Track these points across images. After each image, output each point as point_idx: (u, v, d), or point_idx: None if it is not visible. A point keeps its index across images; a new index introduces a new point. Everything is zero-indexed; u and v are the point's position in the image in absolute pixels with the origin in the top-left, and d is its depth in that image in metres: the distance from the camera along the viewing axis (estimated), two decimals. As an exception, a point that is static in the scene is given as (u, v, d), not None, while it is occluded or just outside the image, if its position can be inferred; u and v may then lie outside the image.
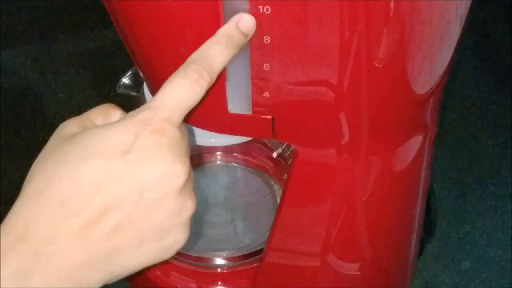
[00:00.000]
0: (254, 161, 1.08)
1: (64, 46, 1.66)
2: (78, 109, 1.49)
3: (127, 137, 0.50)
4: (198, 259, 0.98)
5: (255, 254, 0.97)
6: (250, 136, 0.74)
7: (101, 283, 0.51)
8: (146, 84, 0.81)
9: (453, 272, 1.23)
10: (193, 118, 0.62)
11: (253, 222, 1.04)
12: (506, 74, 1.59)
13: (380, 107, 0.67)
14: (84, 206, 0.48)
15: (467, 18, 0.66)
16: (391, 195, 0.79)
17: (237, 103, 0.65)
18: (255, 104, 0.65)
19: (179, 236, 0.53)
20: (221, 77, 0.60)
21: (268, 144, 1.04)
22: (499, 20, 1.69)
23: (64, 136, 0.53)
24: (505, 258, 1.25)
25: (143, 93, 0.86)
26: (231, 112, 0.66)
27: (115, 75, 1.34)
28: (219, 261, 0.98)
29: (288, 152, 0.89)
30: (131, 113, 0.53)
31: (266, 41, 0.58)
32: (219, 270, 0.98)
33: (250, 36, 0.58)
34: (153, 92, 0.77)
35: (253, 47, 0.59)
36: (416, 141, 0.76)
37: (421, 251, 1.12)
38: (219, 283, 0.98)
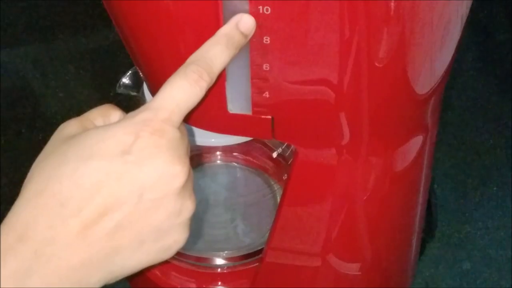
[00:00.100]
0: (254, 161, 1.08)
1: (64, 46, 1.67)
2: (78, 109, 1.50)
3: (127, 138, 0.50)
4: (198, 259, 0.98)
5: (255, 254, 0.97)
6: (250, 136, 0.74)
7: (101, 284, 0.51)
8: (146, 84, 0.81)
9: (454, 273, 1.23)
10: (193, 118, 0.61)
11: (253, 222, 1.04)
12: (507, 74, 1.59)
13: (380, 107, 0.67)
14: (83, 207, 0.48)
15: (467, 18, 0.66)
16: (391, 195, 0.79)
17: (237, 103, 0.65)
18: (254, 104, 0.65)
19: (178, 237, 0.53)
20: (221, 77, 0.60)
21: (268, 144, 1.04)
22: (500, 20, 1.69)
23: (64, 137, 0.53)
24: (506, 258, 1.25)
25: (143, 93, 0.86)
26: (230, 112, 0.66)
27: (115, 74, 1.34)
28: (219, 261, 0.98)
29: (288, 152, 0.89)
30: (131, 113, 0.52)
31: (266, 41, 0.58)
32: (219, 270, 0.98)
33: (250, 37, 0.58)
34: (153, 92, 0.77)
35: (253, 47, 0.59)
36: (416, 142, 0.76)
37: (421, 251, 1.12)
38: (219, 283, 0.98)
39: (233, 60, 0.57)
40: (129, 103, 0.88)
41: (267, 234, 0.86)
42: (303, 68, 0.61)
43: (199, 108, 0.54)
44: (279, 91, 0.63)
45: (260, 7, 0.55)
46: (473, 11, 0.66)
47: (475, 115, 1.50)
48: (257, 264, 0.93)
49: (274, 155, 0.92)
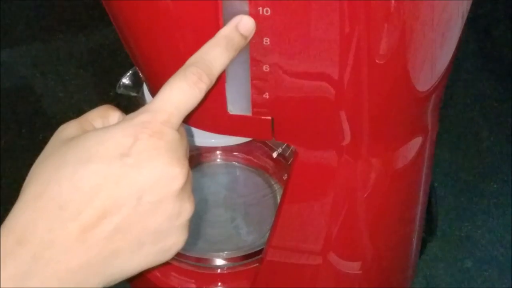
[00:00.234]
0: (255, 160, 1.08)
1: (64, 46, 1.67)
2: (78, 108, 1.51)
3: (126, 140, 0.50)
4: (198, 259, 0.98)
5: (255, 254, 0.97)
6: (250, 137, 0.74)
7: (101, 286, 0.51)
8: (146, 84, 0.81)
9: (455, 271, 1.23)
10: (192, 119, 0.61)
11: (253, 222, 1.04)
12: (507, 71, 1.59)
13: (381, 106, 0.67)
14: (82, 210, 0.48)
15: (468, 15, 0.66)
16: (391, 195, 0.79)
17: (237, 104, 0.65)
18: (254, 105, 0.65)
19: (177, 239, 0.53)
20: (221, 78, 0.60)
21: (269, 144, 1.04)
22: (500, 18, 1.69)
23: (63, 139, 0.53)
24: (507, 256, 1.25)
25: (142, 94, 0.85)
26: (230, 113, 0.66)
27: (115, 74, 1.35)
28: (219, 261, 0.98)
29: (289, 152, 0.88)
30: (130, 115, 0.52)
31: (266, 42, 0.58)
32: (219, 270, 0.98)
33: (249, 38, 0.57)
34: (153, 93, 0.77)
35: (252, 49, 0.59)
36: (416, 142, 0.76)
37: (422, 250, 1.12)
38: (219, 283, 0.98)
39: (232, 61, 0.57)
40: (129, 103, 0.88)
41: (267, 234, 0.86)
42: (303, 69, 0.61)
43: (199, 109, 0.54)
44: (279, 91, 0.63)
45: (260, 8, 0.55)
46: (472, 9, 0.66)
47: (475, 112, 1.50)
48: (257, 264, 0.93)
49: (274, 155, 0.92)
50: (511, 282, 1.21)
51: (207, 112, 0.64)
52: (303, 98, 0.64)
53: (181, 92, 0.52)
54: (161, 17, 0.60)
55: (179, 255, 0.94)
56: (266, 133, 0.68)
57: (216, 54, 0.55)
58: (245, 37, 0.57)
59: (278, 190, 1.04)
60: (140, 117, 0.51)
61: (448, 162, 1.39)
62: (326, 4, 0.54)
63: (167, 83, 0.53)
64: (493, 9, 1.69)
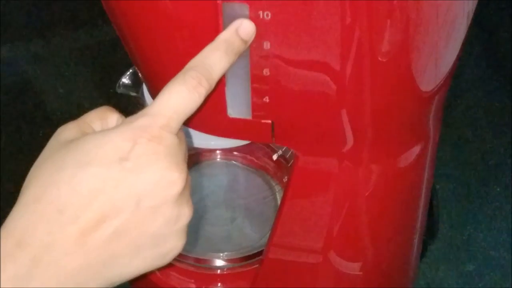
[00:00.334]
0: (255, 160, 1.08)
1: (64, 42, 1.67)
2: (78, 105, 1.51)
3: (125, 144, 0.49)
4: (198, 260, 0.97)
5: (255, 255, 0.96)
6: (250, 140, 0.73)
7: None
8: (145, 85, 0.80)
9: (457, 274, 1.23)
10: (192, 121, 0.61)
11: (253, 222, 1.04)
12: (510, 72, 1.58)
13: (383, 112, 0.66)
14: (81, 213, 0.48)
15: (473, 16, 0.65)
16: (392, 200, 0.79)
17: (237, 107, 0.65)
18: (254, 108, 0.64)
19: (175, 243, 0.53)
20: (221, 81, 0.60)
21: (270, 145, 1.03)
22: (504, 19, 1.69)
23: (62, 141, 0.52)
24: (509, 260, 1.25)
25: (142, 94, 0.85)
26: (230, 116, 0.66)
27: (115, 70, 1.34)
28: (219, 262, 0.97)
29: (289, 154, 0.88)
30: (129, 118, 0.52)
31: (266, 46, 0.57)
32: (218, 271, 0.98)
33: (249, 43, 0.57)
34: (152, 94, 0.76)
35: (253, 52, 0.58)
36: (418, 147, 0.75)
37: (423, 253, 1.11)
38: (219, 284, 0.97)
39: (232, 65, 0.56)
40: (130, 100, 0.88)
41: (267, 235, 0.86)
42: (304, 73, 0.60)
43: (198, 111, 0.54)
44: (279, 95, 0.63)
45: (260, 12, 0.55)
46: (476, 9, 0.66)
47: (478, 114, 1.50)
48: (257, 265, 0.93)
49: (275, 157, 0.92)
50: (513, 286, 1.21)
51: (206, 115, 0.63)
52: (303, 101, 0.63)
53: (180, 97, 0.52)
54: (161, 20, 0.59)
55: (179, 256, 0.94)
56: (266, 137, 0.68)
57: (216, 59, 0.54)
58: (245, 42, 0.56)
59: (279, 191, 1.04)
60: (139, 121, 0.51)
61: (450, 164, 1.39)
62: (327, 7, 0.54)
63: (166, 86, 0.53)
64: (497, 9, 1.68)
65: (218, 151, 1.08)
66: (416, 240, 0.91)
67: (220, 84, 0.61)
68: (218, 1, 0.54)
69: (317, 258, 0.83)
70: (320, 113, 0.65)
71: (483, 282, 1.22)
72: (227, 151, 1.08)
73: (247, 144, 0.87)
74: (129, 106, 0.89)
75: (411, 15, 0.56)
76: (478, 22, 1.62)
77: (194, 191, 0.97)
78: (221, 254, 0.97)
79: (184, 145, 0.54)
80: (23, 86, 1.56)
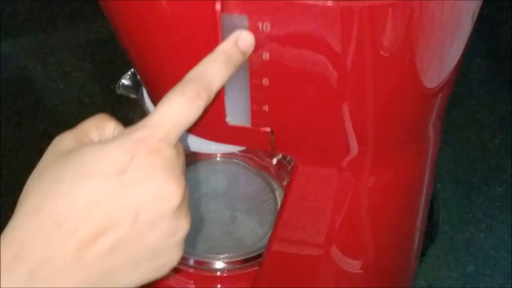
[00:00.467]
0: (256, 159, 1.08)
1: (65, 37, 1.68)
2: (79, 100, 1.50)
3: (123, 157, 0.49)
4: (197, 262, 0.97)
5: (255, 258, 0.96)
6: (249, 147, 0.73)
7: None
8: (144, 88, 0.80)
9: (457, 275, 1.23)
10: (192, 127, 0.60)
11: (253, 224, 1.03)
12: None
13: (382, 123, 0.66)
14: (79, 227, 0.48)
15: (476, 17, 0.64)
16: (392, 208, 0.79)
17: (236, 115, 0.64)
18: (254, 117, 0.64)
19: (173, 256, 0.53)
20: (220, 89, 0.59)
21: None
22: (506, 19, 1.68)
23: (60, 151, 0.52)
24: (510, 260, 1.24)
25: (142, 95, 0.85)
26: (229, 124, 0.65)
27: (115, 66, 1.34)
28: (218, 264, 0.97)
29: (289, 157, 0.88)
30: (128, 130, 0.52)
31: (265, 57, 0.57)
32: (218, 273, 0.98)
33: (248, 54, 0.57)
34: (151, 97, 0.76)
35: (252, 63, 0.58)
36: (418, 157, 0.75)
37: (422, 254, 1.11)
38: (218, 285, 0.98)
39: (232, 75, 0.56)
40: (129, 98, 0.88)
41: (267, 237, 0.86)
42: (303, 83, 0.60)
43: (198, 118, 0.53)
44: (279, 104, 0.62)
45: (260, 23, 0.54)
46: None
47: (480, 114, 1.50)
48: (256, 268, 0.94)
49: (274, 161, 0.91)
50: (513, 286, 1.21)
51: (206, 121, 0.63)
52: (303, 110, 0.63)
53: (179, 109, 0.51)
54: (160, 29, 0.59)
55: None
56: (265, 144, 0.67)
57: (215, 70, 0.54)
58: (244, 53, 0.56)
59: (279, 192, 1.04)
60: (137, 133, 0.50)
61: (451, 163, 1.39)
62: (328, 17, 0.53)
63: (165, 98, 0.52)
64: (499, 10, 1.68)
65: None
66: (416, 243, 0.91)
67: (220, 91, 0.60)
68: (217, 12, 0.54)
69: (317, 260, 0.83)
70: (320, 121, 0.64)
71: (484, 282, 1.22)
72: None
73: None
74: (128, 102, 0.89)
75: (415, 15, 0.55)
76: (480, 20, 1.61)
77: (194, 190, 0.97)
78: (221, 256, 0.97)
79: (182, 157, 0.53)
80: (24, 82, 1.56)
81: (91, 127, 0.55)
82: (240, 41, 0.55)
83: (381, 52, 0.57)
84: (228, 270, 0.97)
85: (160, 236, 0.51)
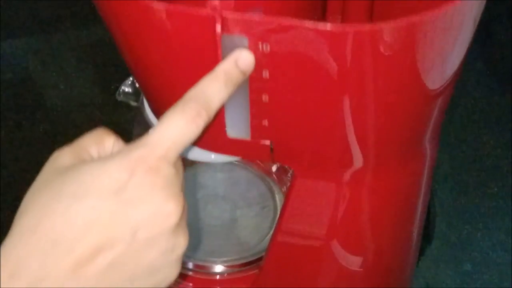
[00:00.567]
0: (258, 161, 1.08)
1: (65, 38, 1.66)
2: (79, 101, 1.50)
3: (122, 176, 0.49)
4: (195, 266, 0.98)
5: (255, 261, 0.97)
6: (249, 158, 0.73)
7: None
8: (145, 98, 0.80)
9: (455, 274, 1.23)
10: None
11: (253, 228, 1.03)
12: (508, 73, 1.58)
13: (381, 138, 0.67)
14: (76, 245, 0.48)
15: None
16: (389, 217, 0.79)
17: (236, 129, 0.65)
18: (253, 130, 0.64)
19: (170, 273, 0.54)
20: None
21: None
22: (502, 20, 1.68)
23: (58, 168, 0.52)
24: (507, 260, 1.24)
25: (142, 103, 0.85)
26: (229, 137, 0.66)
27: (116, 67, 1.34)
28: (217, 268, 0.98)
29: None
30: (127, 147, 0.52)
31: (265, 75, 0.57)
32: (217, 277, 0.98)
33: (249, 74, 0.57)
34: (151, 108, 0.77)
35: (252, 79, 0.58)
36: (415, 168, 0.76)
37: (419, 256, 1.12)
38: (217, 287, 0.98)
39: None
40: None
41: (266, 239, 0.86)
42: (303, 100, 0.60)
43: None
44: (279, 119, 0.63)
45: (260, 44, 0.54)
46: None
47: (476, 115, 1.49)
48: (255, 271, 0.95)
49: (274, 168, 0.92)
50: (511, 285, 1.21)
51: (206, 133, 0.63)
52: (302, 125, 0.64)
53: (178, 127, 0.52)
54: (159, 47, 0.60)
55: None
56: (265, 156, 0.68)
57: (215, 90, 0.54)
58: (244, 73, 0.56)
59: (279, 197, 1.04)
60: (136, 151, 0.51)
61: (448, 163, 1.38)
62: (328, 41, 0.53)
63: (165, 116, 0.53)
64: (495, 11, 1.67)
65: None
66: (414, 247, 0.92)
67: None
68: (217, 34, 0.54)
69: (316, 264, 0.84)
70: (320, 135, 0.65)
71: (481, 281, 1.22)
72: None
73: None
74: (129, 104, 0.89)
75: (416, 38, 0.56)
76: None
77: (194, 191, 0.97)
78: (219, 260, 0.98)
79: (181, 174, 0.54)
80: (24, 82, 1.55)
81: (90, 143, 0.56)
82: (240, 60, 0.56)
83: (381, 74, 0.58)
84: (227, 274, 0.98)
85: (158, 254, 0.51)
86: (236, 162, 1.07)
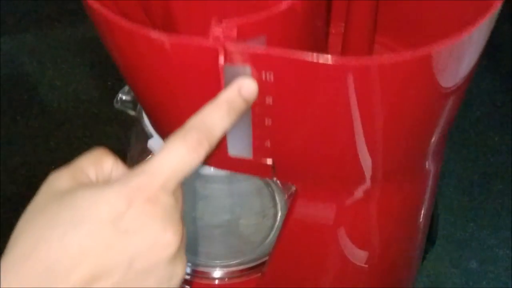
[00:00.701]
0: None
1: (61, 34, 1.67)
2: (75, 98, 1.49)
3: (120, 205, 0.48)
4: (195, 272, 0.98)
5: (256, 267, 0.97)
6: (251, 175, 0.73)
7: None
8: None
9: (460, 272, 1.23)
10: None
11: (252, 237, 1.03)
12: (511, 71, 1.57)
13: (386, 158, 0.66)
14: (71, 273, 0.47)
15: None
16: (393, 234, 0.79)
17: (237, 148, 0.64)
18: (255, 150, 0.63)
19: None
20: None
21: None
22: (502, 18, 1.67)
23: (55, 192, 0.51)
24: (513, 257, 1.24)
25: (140, 112, 0.83)
26: (231, 155, 0.65)
27: (112, 63, 1.33)
28: (217, 274, 0.98)
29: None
30: (126, 175, 0.50)
31: (269, 102, 0.56)
32: (216, 281, 0.98)
33: (252, 102, 0.56)
34: (151, 122, 0.76)
35: (255, 104, 0.57)
36: (420, 185, 0.76)
37: (423, 258, 1.11)
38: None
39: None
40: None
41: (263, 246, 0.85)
42: (307, 124, 0.59)
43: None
44: (281, 141, 0.62)
45: (263, 73, 0.53)
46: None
47: (480, 112, 1.49)
48: (257, 275, 0.95)
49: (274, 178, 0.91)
50: (516, 283, 1.21)
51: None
52: (305, 147, 0.63)
53: (179, 156, 0.50)
54: (162, 77, 0.59)
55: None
56: (267, 173, 0.67)
57: (217, 118, 0.53)
58: (247, 101, 0.55)
59: (281, 205, 1.03)
60: (136, 180, 0.49)
61: (452, 161, 1.38)
62: (333, 70, 0.52)
63: (166, 144, 0.51)
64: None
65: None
66: (417, 251, 0.91)
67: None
68: (220, 65, 0.53)
69: (318, 275, 0.84)
70: (323, 157, 0.64)
71: (487, 279, 1.22)
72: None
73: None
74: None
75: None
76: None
77: (196, 196, 0.96)
78: (218, 266, 0.98)
79: (181, 202, 0.52)
80: (20, 78, 1.55)
81: (88, 164, 0.54)
82: (243, 89, 0.54)
83: (382, 104, 0.57)
84: (228, 279, 0.98)
85: (155, 283, 0.50)
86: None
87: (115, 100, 0.88)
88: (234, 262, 0.98)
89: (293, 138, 0.61)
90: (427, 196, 0.78)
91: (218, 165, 0.69)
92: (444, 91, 0.59)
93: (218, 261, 0.98)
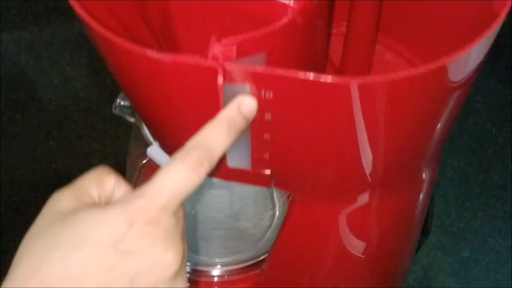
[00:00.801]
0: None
1: (59, 31, 1.65)
2: (73, 95, 1.48)
3: (121, 227, 0.49)
4: (194, 271, 0.99)
5: (255, 264, 0.98)
6: (249, 184, 0.73)
7: None
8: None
9: (453, 260, 1.23)
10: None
11: (249, 238, 1.04)
12: (510, 62, 1.57)
13: (384, 168, 0.67)
14: None
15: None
16: (388, 235, 0.80)
17: (236, 160, 0.64)
18: (254, 162, 0.64)
19: None
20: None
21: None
22: (505, 19, 1.66)
23: (57, 212, 0.52)
24: (506, 247, 1.25)
25: (139, 119, 0.84)
26: (230, 166, 0.65)
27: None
28: (216, 272, 0.99)
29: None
30: (127, 197, 0.51)
31: (268, 118, 0.57)
32: (216, 279, 0.99)
33: (251, 119, 0.56)
34: (151, 134, 0.76)
35: (254, 120, 0.57)
36: (414, 191, 0.77)
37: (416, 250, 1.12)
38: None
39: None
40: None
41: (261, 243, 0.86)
42: (306, 138, 0.60)
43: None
44: (280, 153, 0.63)
45: (263, 91, 0.54)
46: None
47: (478, 103, 1.49)
48: (256, 271, 0.96)
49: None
50: (509, 271, 1.22)
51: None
52: (304, 159, 0.64)
53: (179, 177, 0.51)
54: (161, 96, 0.59)
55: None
56: (265, 182, 0.68)
57: (217, 137, 0.54)
58: (247, 119, 0.56)
59: (280, 205, 1.04)
60: (136, 201, 0.50)
61: (448, 152, 1.38)
62: (332, 89, 0.53)
63: (166, 165, 0.52)
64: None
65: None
66: (410, 246, 0.92)
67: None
68: (219, 85, 0.53)
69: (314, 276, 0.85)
70: (322, 168, 0.65)
71: (479, 268, 1.23)
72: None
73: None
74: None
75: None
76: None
77: (194, 197, 0.96)
78: (218, 265, 0.99)
79: (182, 222, 0.53)
80: (17, 76, 1.54)
81: (90, 183, 0.55)
82: (242, 107, 0.55)
83: (381, 121, 0.58)
84: (227, 276, 0.99)
85: None
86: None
87: (113, 106, 0.88)
88: (233, 260, 0.99)
89: (292, 151, 0.62)
90: (422, 198, 0.79)
91: (217, 175, 0.70)
92: (448, 98, 0.61)
93: (217, 260, 0.99)
